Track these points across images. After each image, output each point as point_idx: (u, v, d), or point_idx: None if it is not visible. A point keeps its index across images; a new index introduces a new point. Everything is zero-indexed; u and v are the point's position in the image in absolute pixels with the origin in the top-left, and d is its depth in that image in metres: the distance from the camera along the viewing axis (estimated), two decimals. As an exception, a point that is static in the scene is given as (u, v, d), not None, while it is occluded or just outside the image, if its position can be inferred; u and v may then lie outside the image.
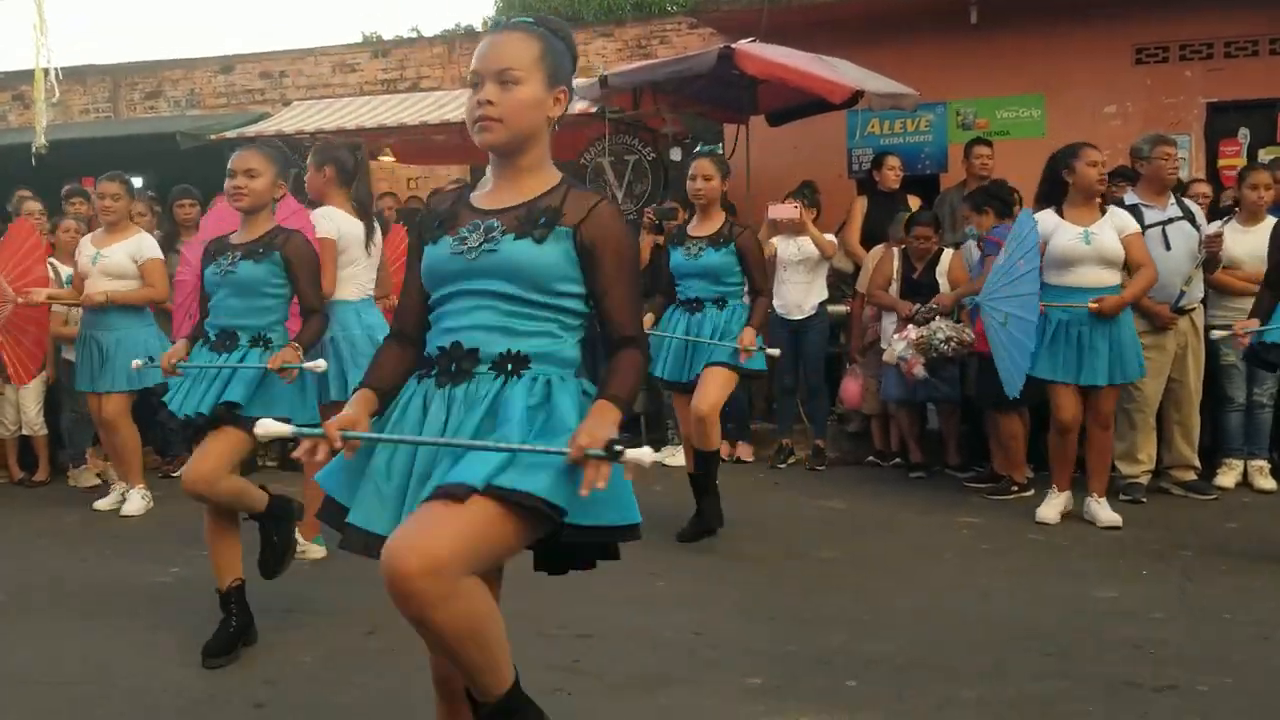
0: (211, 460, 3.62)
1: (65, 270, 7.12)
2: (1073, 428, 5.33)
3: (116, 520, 5.89)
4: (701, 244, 5.04)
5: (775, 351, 5.30)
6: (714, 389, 4.96)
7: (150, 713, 3.29)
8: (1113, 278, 5.26)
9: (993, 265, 5.57)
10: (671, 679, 3.45)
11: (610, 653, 3.68)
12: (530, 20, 2.22)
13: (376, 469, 2.15)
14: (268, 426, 2.19)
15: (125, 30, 37.29)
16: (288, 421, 3.34)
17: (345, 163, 4.97)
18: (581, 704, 3.24)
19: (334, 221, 4.86)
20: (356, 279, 4.96)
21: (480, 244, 2.15)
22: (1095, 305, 5.14)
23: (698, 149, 5.29)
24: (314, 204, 4.96)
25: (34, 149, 9.73)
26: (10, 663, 3.73)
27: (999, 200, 6.34)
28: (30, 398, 6.91)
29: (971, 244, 6.44)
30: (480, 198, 2.24)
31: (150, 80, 13.06)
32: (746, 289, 5.14)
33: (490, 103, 2.11)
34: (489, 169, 2.27)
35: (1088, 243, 5.23)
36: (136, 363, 4.36)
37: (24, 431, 6.97)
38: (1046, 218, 5.36)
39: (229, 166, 3.82)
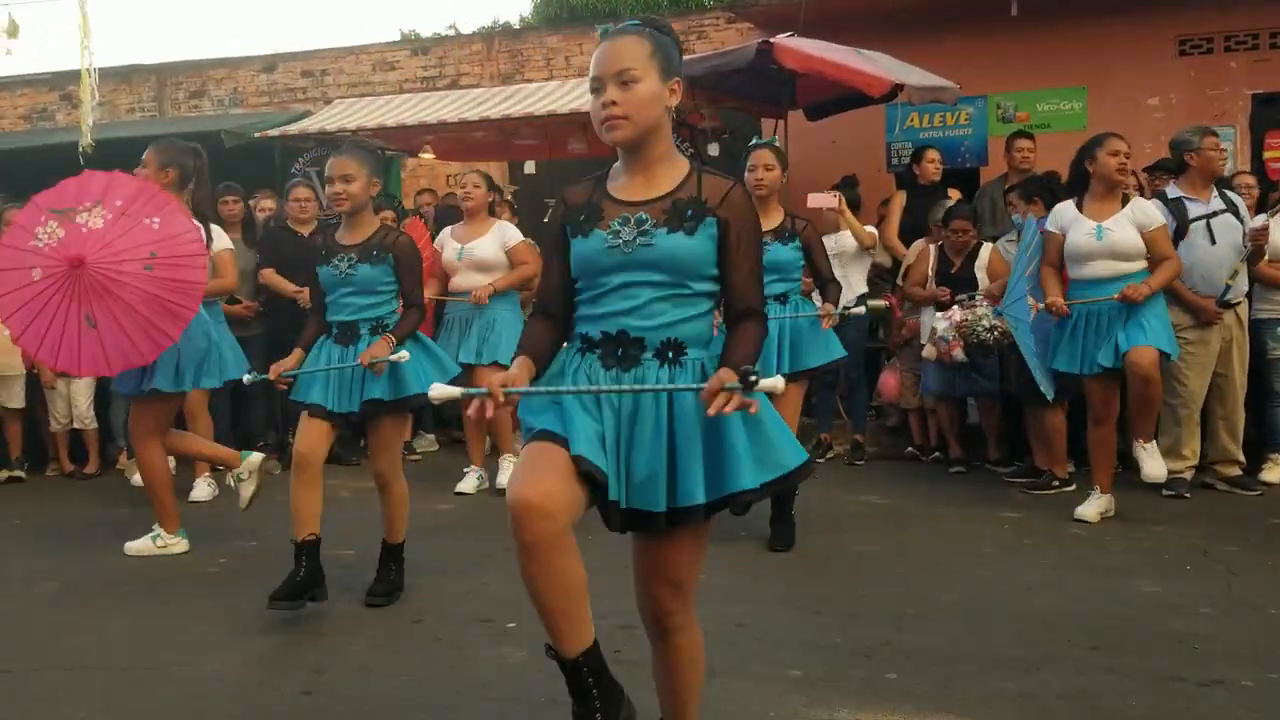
0: (386, 456, 4.26)
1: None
2: (1106, 419, 5.29)
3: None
4: (766, 239, 4.88)
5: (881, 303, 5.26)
6: (791, 417, 4.89)
7: (201, 698, 3.36)
8: (1132, 267, 5.19)
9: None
10: (713, 670, 3.44)
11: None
12: (636, 22, 2.39)
13: (586, 428, 2.27)
14: (440, 390, 2.30)
15: (170, 30, 37.73)
16: (423, 395, 3.77)
17: (187, 166, 5.11)
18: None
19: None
20: None
21: (634, 238, 2.32)
22: (1119, 297, 5.10)
23: (754, 141, 5.20)
24: None
25: (80, 148, 9.90)
26: (66, 649, 3.82)
27: (1048, 191, 6.30)
28: (81, 392, 7.05)
29: (1031, 232, 6.37)
30: (619, 189, 2.39)
31: (195, 79, 13.23)
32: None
33: (614, 103, 2.28)
34: (619, 162, 2.42)
35: (1100, 238, 5.19)
36: (247, 378, 4.51)
37: (74, 425, 7.10)
38: (1065, 210, 5.36)
39: (326, 174, 4.13)
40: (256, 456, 5.22)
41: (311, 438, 4.11)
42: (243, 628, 3.94)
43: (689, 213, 2.32)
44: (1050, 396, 5.49)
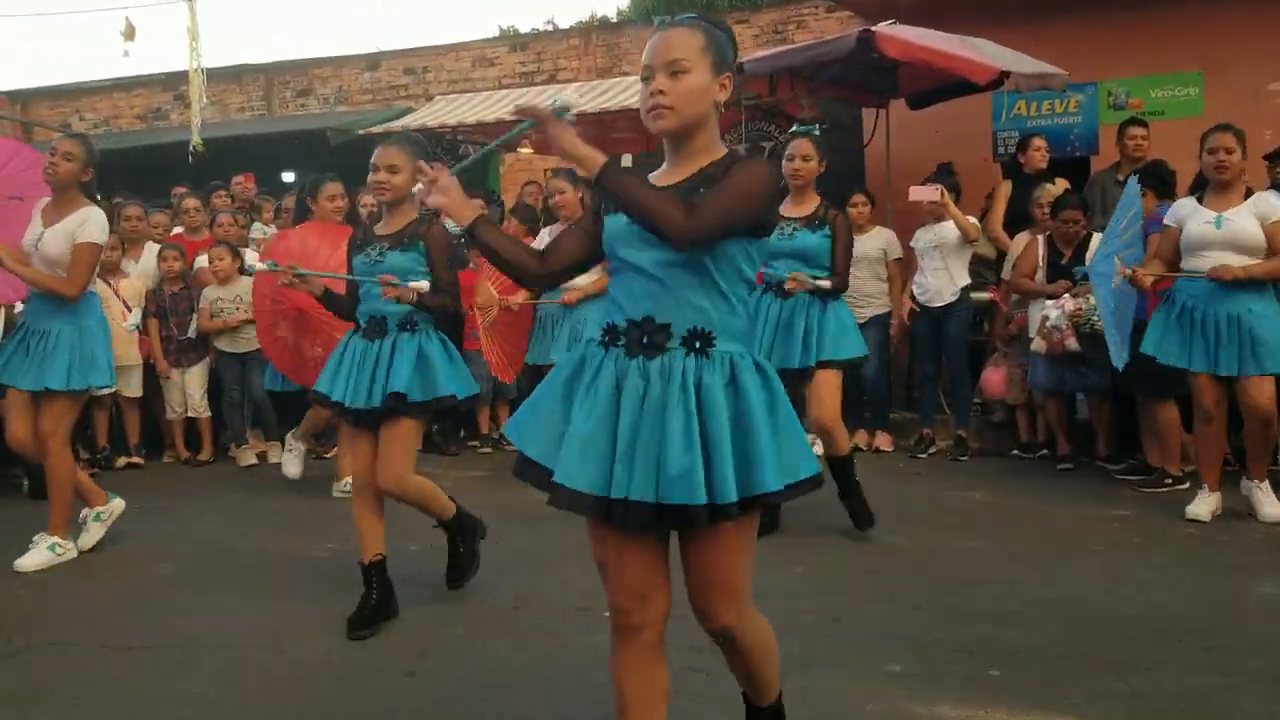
0: (397, 460, 3.89)
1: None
2: (1212, 416, 5.14)
3: (276, 497, 6.17)
4: (796, 224, 4.93)
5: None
6: (829, 397, 4.91)
7: (310, 678, 3.46)
8: (1248, 262, 5.02)
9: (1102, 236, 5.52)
10: (812, 662, 3.45)
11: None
12: (693, 16, 2.38)
13: (578, 433, 2.25)
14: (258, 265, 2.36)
15: (278, 31, 38.78)
16: (454, 398, 3.88)
17: (97, 162, 4.94)
18: (717, 684, 3.26)
19: (102, 224, 4.86)
20: None
21: None
22: (1210, 274, 4.96)
23: (793, 128, 5.18)
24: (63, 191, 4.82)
25: (190, 147, 10.25)
26: (184, 627, 3.96)
27: (1159, 180, 6.11)
28: (195, 383, 7.30)
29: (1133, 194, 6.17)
30: (657, 177, 2.38)
31: (301, 79, 13.58)
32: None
33: (662, 92, 2.27)
34: (665, 154, 2.42)
35: (1219, 227, 5.04)
36: (261, 265, 4.37)
37: (189, 414, 7.36)
38: (1184, 203, 5.28)
39: (372, 161, 3.99)
40: (119, 504, 5.13)
41: (367, 459, 3.96)
42: (350, 611, 4.04)
43: (701, 189, 2.27)
44: (1121, 365, 5.30)
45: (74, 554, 4.93)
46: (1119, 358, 5.28)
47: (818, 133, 5.11)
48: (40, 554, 4.81)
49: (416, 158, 3.96)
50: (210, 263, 7.21)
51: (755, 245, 2.32)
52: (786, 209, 4.97)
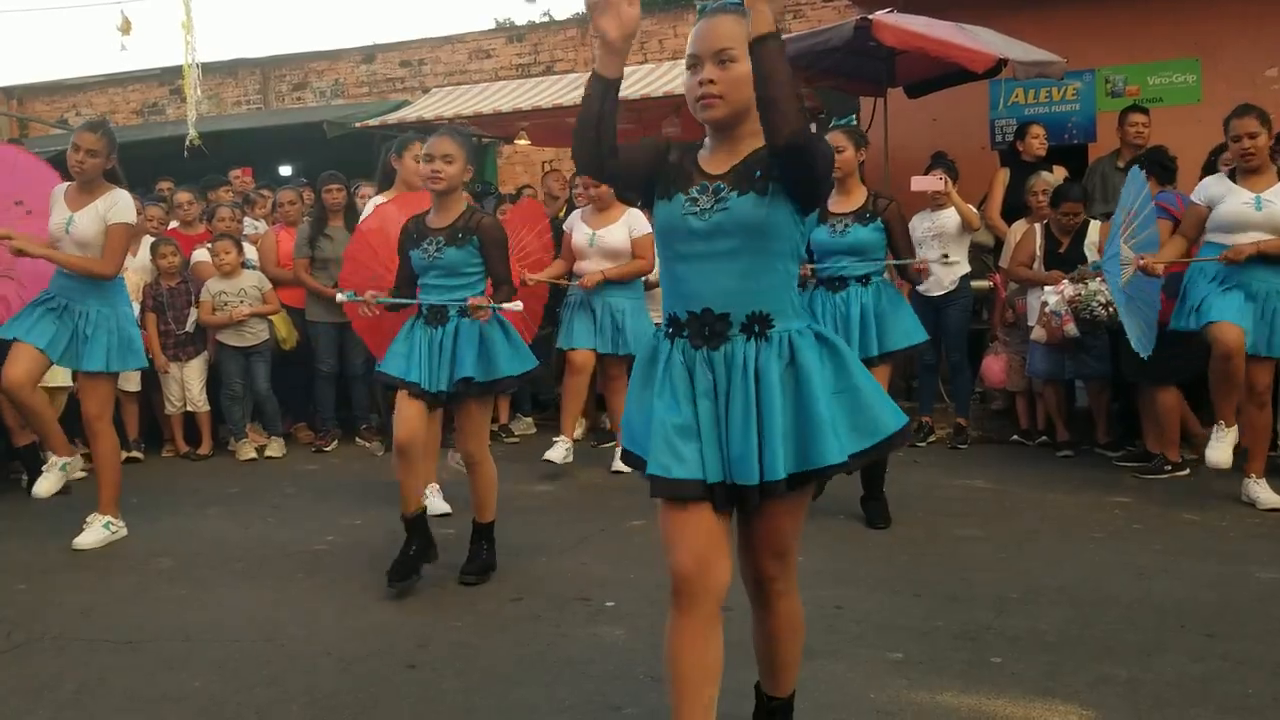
0: (480, 431, 4.34)
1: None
2: (1235, 353, 4.94)
3: (275, 491, 6.17)
4: (847, 220, 4.87)
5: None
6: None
7: (310, 670, 3.45)
8: None
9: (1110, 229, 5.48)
10: (813, 651, 3.43)
11: (750, 625, 3.69)
12: (736, 2, 2.37)
13: (662, 422, 2.33)
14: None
15: (274, 24, 38.69)
16: (511, 378, 4.27)
17: (117, 146, 5.05)
18: (725, 677, 3.27)
19: (131, 206, 5.02)
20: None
21: (713, 205, 2.32)
22: (1223, 257, 4.94)
23: (831, 123, 5.17)
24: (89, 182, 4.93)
25: (187, 141, 10.23)
26: (182, 621, 3.95)
27: (1161, 168, 6.09)
28: (194, 377, 7.29)
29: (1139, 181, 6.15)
30: (705, 160, 2.40)
31: (297, 72, 13.56)
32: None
33: (712, 81, 2.30)
34: (709, 139, 2.43)
35: (1259, 208, 5.01)
36: (340, 296, 4.52)
37: (188, 408, 7.34)
38: (1217, 181, 5.22)
39: (425, 151, 4.17)
40: (77, 460, 5.23)
41: (410, 425, 4.17)
42: (349, 603, 4.04)
43: (757, 173, 2.31)
44: (1146, 355, 5.28)
45: (125, 532, 5.11)
46: (1143, 345, 5.19)
47: (855, 122, 5.07)
48: (95, 532, 5.00)
49: (467, 148, 4.22)
50: (215, 256, 7.20)
51: (805, 224, 2.35)
52: (834, 204, 4.90)
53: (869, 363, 4.74)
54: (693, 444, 2.32)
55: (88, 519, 5.04)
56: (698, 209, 2.34)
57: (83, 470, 5.41)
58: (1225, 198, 5.11)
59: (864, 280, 4.92)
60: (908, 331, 4.95)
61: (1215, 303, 5.02)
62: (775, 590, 2.52)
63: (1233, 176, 5.17)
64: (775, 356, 2.31)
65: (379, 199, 5.77)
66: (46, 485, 5.06)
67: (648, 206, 2.52)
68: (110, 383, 5.04)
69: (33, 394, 4.96)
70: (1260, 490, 5.10)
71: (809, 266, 4.93)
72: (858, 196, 4.92)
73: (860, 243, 4.87)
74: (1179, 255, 5.24)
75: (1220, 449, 5.09)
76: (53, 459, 5.13)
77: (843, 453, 2.29)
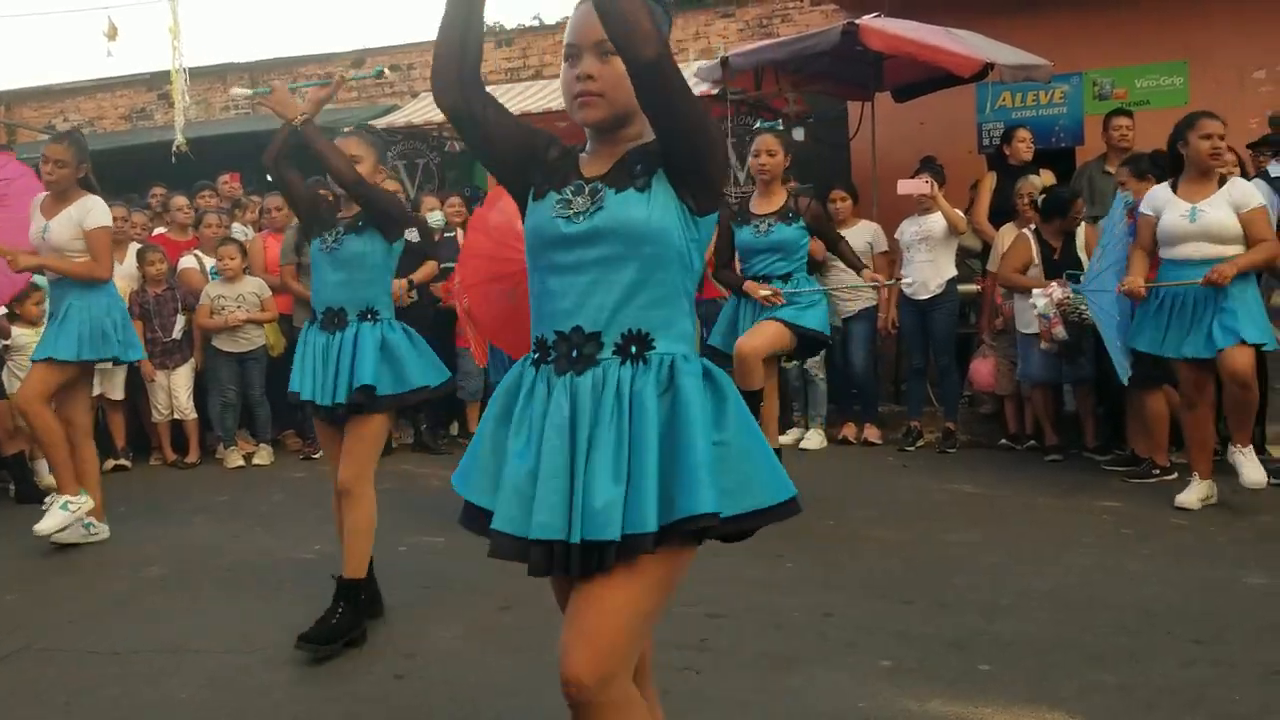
0: (362, 457, 3.73)
1: (210, 262, 7.47)
2: (1199, 403, 5.13)
3: (263, 499, 6.15)
4: (770, 220, 5.11)
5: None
6: (761, 337, 5.02)
7: (298, 681, 3.44)
8: (1227, 250, 5.00)
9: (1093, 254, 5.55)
10: (801, 659, 3.44)
11: (739, 632, 3.69)
12: None
13: (514, 469, 1.96)
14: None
15: (262, 29, 38.63)
16: (427, 389, 3.76)
17: (88, 155, 5.11)
18: (709, 682, 3.27)
19: (104, 209, 5.07)
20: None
21: (587, 207, 1.98)
22: (1204, 281, 4.94)
23: (757, 125, 5.32)
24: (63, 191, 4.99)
25: (174, 147, 10.20)
26: (169, 631, 3.94)
27: (1159, 169, 6.10)
28: (181, 384, 7.26)
29: (1118, 211, 6.19)
30: (585, 162, 2.07)
31: (286, 76, 13.48)
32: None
33: (590, 76, 1.95)
34: (588, 144, 2.10)
35: (1193, 220, 5.03)
36: None
37: (175, 416, 7.32)
38: (1160, 192, 5.24)
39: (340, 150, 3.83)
40: (88, 503, 5.06)
41: (336, 459, 3.80)
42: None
43: (638, 168, 1.97)
44: (1125, 380, 5.33)
45: (90, 505, 5.05)
46: (1125, 372, 5.30)
47: (781, 128, 5.25)
48: (55, 515, 4.95)
49: (377, 149, 3.95)
50: (220, 260, 7.19)
51: (699, 228, 1.99)
52: (757, 205, 5.19)
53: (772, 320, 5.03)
54: (542, 498, 1.90)
55: (46, 500, 5.04)
56: (570, 211, 1.99)
57: (83, 532, 5.17)
58: (1164, 210, 5.15)
59: (785, 278, 5.13)
60: (820, 322, 5.15)
61: (1149, 330, 5.16)
62: (590, 704, 1.87)
63: (1175, 186, 5.18)
64: (653, 382, 1.91)
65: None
66: (48, 524, 4.95)
67: (518, 200, 2.14)
68: (58, 373, 4.95)
69: (42, 412, 4.94)
70: (1245, 462, 5.06)
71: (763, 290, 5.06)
72: (779, 198, 5.15)
73: (783, 241, 5.10)
74: (1143, 266, 5.25)
75: (1190, 495, 5.16)
76: (54, 496, 5.10)
77: (716, 503, 1.84)
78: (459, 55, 2.01)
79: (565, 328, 1.97)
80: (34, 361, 5.06)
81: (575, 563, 1.88)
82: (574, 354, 1.96)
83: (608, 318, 1.95)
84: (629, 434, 1.89)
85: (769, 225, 5.10)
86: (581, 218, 1.97)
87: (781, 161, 5.12)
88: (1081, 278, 6.10)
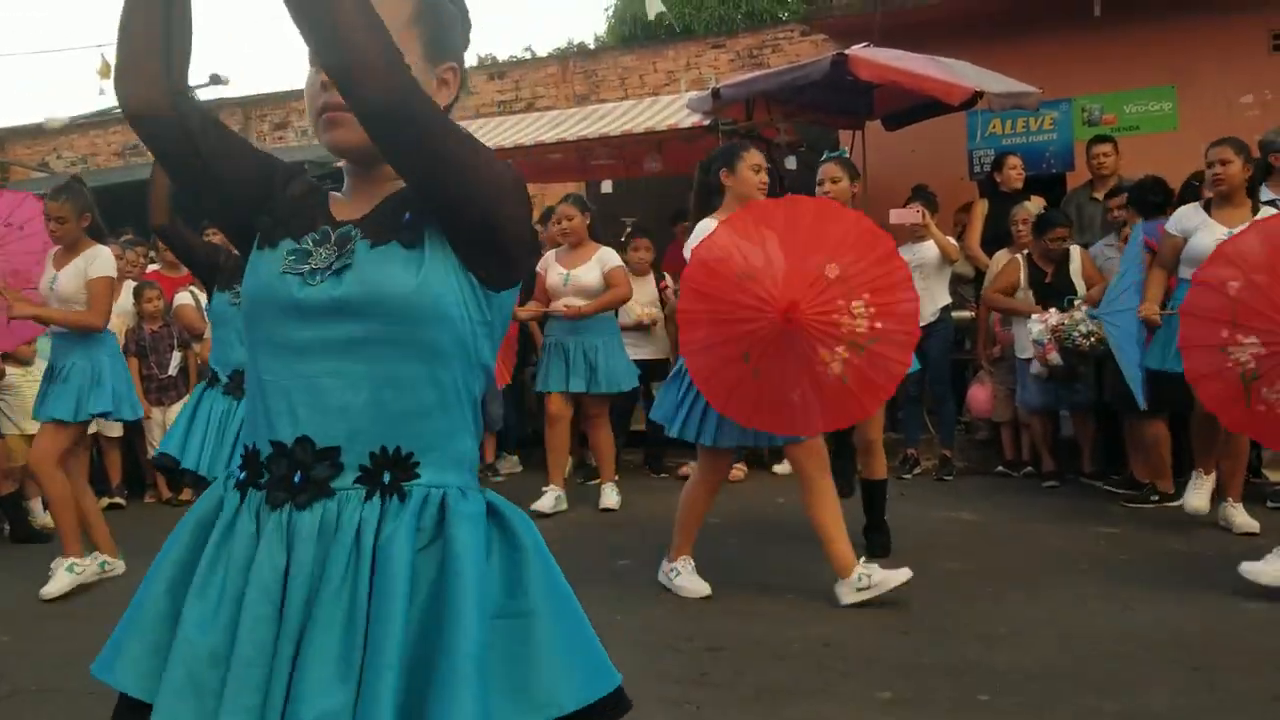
0: None
1: (204, 298, 7.47)
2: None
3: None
4: None
5: None
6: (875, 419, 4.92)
7: None
8: None
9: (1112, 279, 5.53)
10: (801, 691, 3.43)
11: (739, 665, 3.68)
12: None
13: (190, 643, 1.37)
14: None
15: (255, 64, 38.90)
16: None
17: (92, 204, 5.08)
18: (709, 716, 3.25)
19: (109, 259, 5.07)
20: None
21: (332, 263, 1.43)
22: None
23: (825, 156, 5.21)
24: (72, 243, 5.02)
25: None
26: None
27: (1143, 202, 6.12)
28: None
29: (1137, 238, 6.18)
30: (336, 203, 1.54)
31: (279, 111, 13.58)
32: None
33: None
34: (346, 178, 1.58)
35: None
36: None
37: (171, 452, 7.30)
38: (1191, 213, 5.23)
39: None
40: (93, 565, 5.08)
41: None
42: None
43: (406, 216, 1.42)
44: (1143, 405, 5.33)
45: (95, 568, 5.07)
46: (1142, 396, 5.25)
47: (848, 154, 5.15)
48: (60, 578, 4.94)
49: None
50: (235, 297, 7.17)
51: (491, 307, 1.45)
52: None
53: None
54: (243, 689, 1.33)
55: (52, 564, 4.99)
56: (307, 268, 1.43)
57: (96, 570, 5.16)
58: (1198, 230, 5.13)
59: None
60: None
61: (1155, 350, 5.15)
62: None
63: (1208, 208, 5.20)
64: (410, 529, 1.36)
65: (709, 222, 4.40)
66: (54, 586, 4.93)
67: (237, 245, 1.57)
68: (68, 432, 4.98)
69: (55, 474, 4.95)
70: (1236, 514, 5.11)
71: None
72: None
73: None
74: (1160, 287, 5.27)
75: (1199, 495, 5.16)
76: (60, 559, 5.05)
77: (480, 717, 1.28)
78: (162, 44, 1.44)
79: (287, 438, 1.40)
80: (41, 421, 5.03)
81: None
82: (297, 477, 1.39)
83: (351, 426, 1.39)
84: (366, 607, 1.33)
85: None
86: (320, 277, 1.42)
87: (848, 188, 4.96)
88: (1078, 301, 6.14)
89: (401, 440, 1.40)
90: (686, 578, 4.40)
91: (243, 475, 1.45)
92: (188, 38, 1.47)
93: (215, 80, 3.57)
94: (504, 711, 1.33)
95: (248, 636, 1.33)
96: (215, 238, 5.14)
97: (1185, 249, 5.15)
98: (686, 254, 4.17)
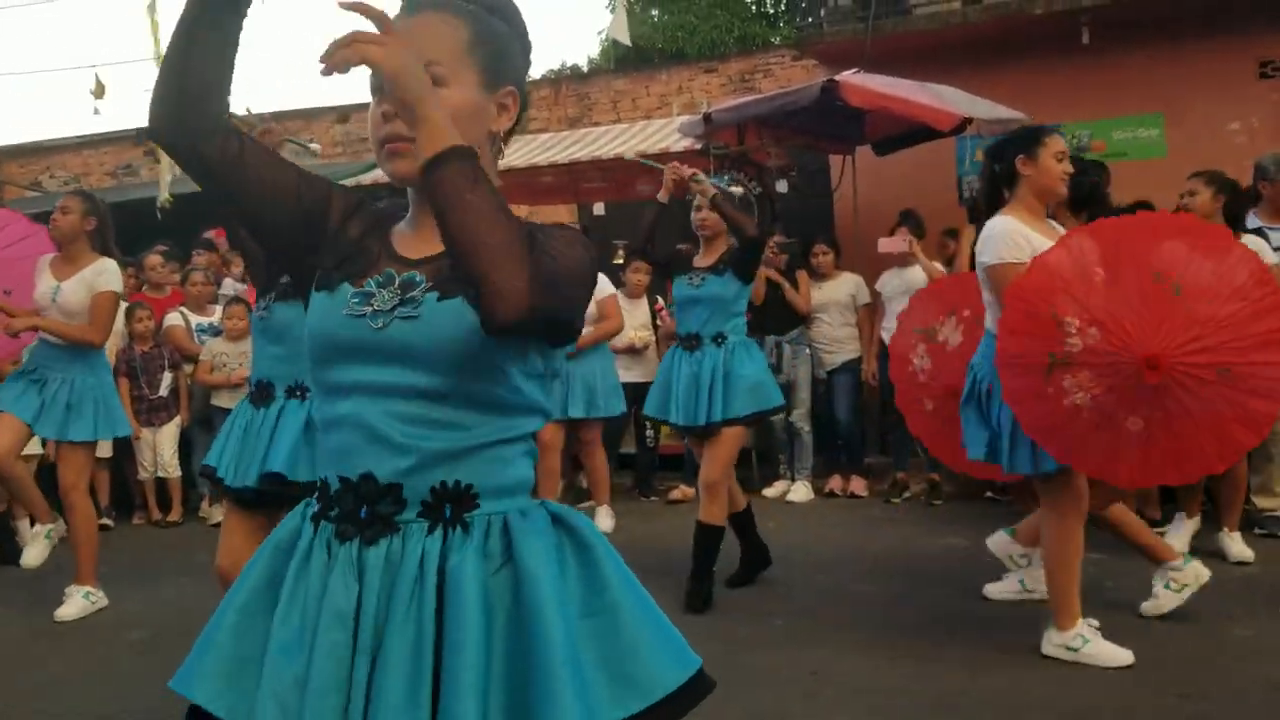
0: (240, 552, 3.28)
1: (195, 319, 7.48)
2: None
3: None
4: (704, 274, 4.83)
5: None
6: (720, 461, 4.72)
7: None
8: None
9: None
10: (790, 717, 3.42)
11: (726, 692, 3.63)
12: None
13: (278, 674, 1.44)
14: None
15: (247, 84, 38.96)
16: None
17: (101, 213, 5.04)
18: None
19: (117, 274, 5.00)
20: None
21: (393, 306, 1.44)
22: None
23: (710, 179, 5.12)
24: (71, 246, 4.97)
25: (158, 204, 10.24)
26: (150, 695, 3.88)
27: None
28: (166, 441, 7.24)
29: None
30: (401, 237, 1.54)
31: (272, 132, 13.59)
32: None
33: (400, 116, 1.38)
34: (410, 209, 1.59)
35: None
36: None
37: (159, 474, 7.28)
38: None
39: None
40: (60, 525, 5.10)
41: (229, 545, 3.41)
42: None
43: None
44: None
45: (105, 602, 5.07)
46: None
47: (728, 185, 5.03)
48: (76, 603, 4.96)
49: None
50: (229, 319, 7.18)
51: (547, 360, 1.52)
52: (699, 258, 4.94)
53: (718, 426, 4.67)
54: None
55: (66, 590, 5.00)
56: (370, 309, 1.45)
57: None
58: None
59: (718, 339, 4.80)
60: (760, 396, 4.78)
61: None
62: None
63: None
64: (478, 556, 1.41)
65: (1005, 221, 3.86)
66: (34, 554, 5.03)
67: (297, 286, 1.57)
68: (89, 452, 5.04)
69: (14, 464, 4.97)
70: (1232, 543, 5.13)
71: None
72: (720, 250, 4.87)
73: (715, 295, 4.79)
74: None
75: (1178, 538, 5.18)
76: (37, 528, 5.13)
77: (590, 711, 1.35)
78: (198, 81, 1.41)
79: (352, 474, 1.44)
80: (59, 443, 4.99)
81: None
82: (363, 512, 1.44)
83: (411, 465, 1.42)
84: (433, 632, 1.37)
85: (702, 279, 4.85)
86: (383, 320, 1.44)
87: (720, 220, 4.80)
88: None
89: (460, 475, 1.44)
90: (1098, 644, 3.82)
91: (318, 506, 1.50)
92: (230, 75, 1.45)
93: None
94: (611, 703, 1.39)
95: (321, 664, 1.38)
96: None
97: None
98: (986, 259, 3.79)
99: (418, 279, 1.46)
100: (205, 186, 1.48)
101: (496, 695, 1.36)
